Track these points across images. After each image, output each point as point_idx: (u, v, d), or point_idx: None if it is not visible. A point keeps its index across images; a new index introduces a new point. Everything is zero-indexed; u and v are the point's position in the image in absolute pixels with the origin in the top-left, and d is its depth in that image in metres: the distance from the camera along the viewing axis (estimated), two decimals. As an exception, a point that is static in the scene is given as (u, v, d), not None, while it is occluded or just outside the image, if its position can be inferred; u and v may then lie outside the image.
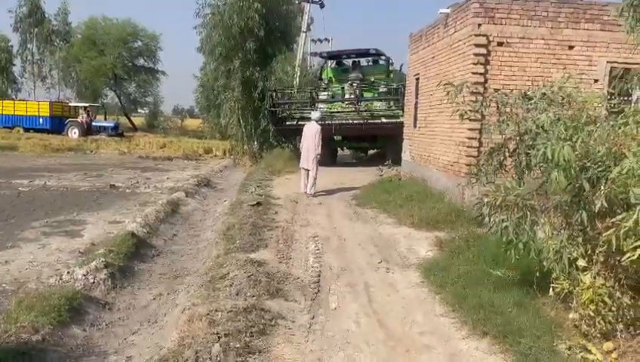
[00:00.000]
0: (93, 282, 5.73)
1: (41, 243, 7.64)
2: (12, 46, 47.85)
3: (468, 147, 8.86)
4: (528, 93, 5.09)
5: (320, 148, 11.46)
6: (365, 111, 17.31)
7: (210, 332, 4.22)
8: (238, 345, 4.07)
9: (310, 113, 13.82)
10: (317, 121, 11.82)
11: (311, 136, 11.45)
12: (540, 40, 8.85)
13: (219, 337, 4.14)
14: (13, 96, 46.12)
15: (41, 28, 46.76)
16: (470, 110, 5.37)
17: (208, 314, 4.60)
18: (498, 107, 5.19)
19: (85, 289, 5.55)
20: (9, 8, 47.47)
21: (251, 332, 4.32)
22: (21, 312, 4.53)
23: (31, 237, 7.95)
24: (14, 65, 48.73)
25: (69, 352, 4.36)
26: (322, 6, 24.23)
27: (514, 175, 5.01)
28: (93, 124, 34.96)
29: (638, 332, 4.07)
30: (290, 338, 4.45)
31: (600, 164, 4.05)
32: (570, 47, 8.90)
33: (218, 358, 3.88)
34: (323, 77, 20.53)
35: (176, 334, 4.45)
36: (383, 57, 19.89)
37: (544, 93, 4.86)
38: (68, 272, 5.82)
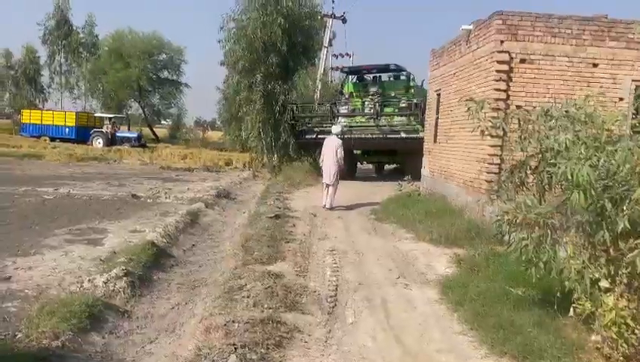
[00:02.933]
0: (113, 290, 5.79)
1: (64, 250, 7.76)
2: (39, 57, 49.30)
3: (489, 163, 8.79)
4: (550, 111, 5.04)
5: (343, 161, 11.49)
6: (385, 125, 17.36)
7: (226, 343, 4.24)
8: (254, 357, 4.09)
9: (330, 127, 13.87)
10: (337, 135, 11.83)
11: (331, 151, 11.45)
12: (563, 57, 8.78)
13: (235, 348, 4.16)
14: (41, 106, 47.39)
15: (69, 40, 48.12)
16: (491, 127, 5.34)
17: (225, 324, 4.63)
18: (520, 124, 5.16)
19: (105, 296, 5.62)
20: (38, 21, 48.96)
21: (267, 345, 4.33)
22: (42, 318, 4.60)
23: (54, 244, 8.09)
24: (42, 75, 50.16)
25: (87, 359, 4.40)
26: (344, 21, 24.55)
27: (535, 193, 4.95)
28: (117, 134, 35.66)
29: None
30: (306, 352, 4.44)
31: (623, 183, 3.98)
32: (595, 65, 8.81)
33: (234, 369, 3.90)
34: (344, 91, 20.67)
35: (193, 344, 4.48)
36: (404, 73, 19.97)
37: (567, 112, 4.81)
38: (89, 279, 5.90)
